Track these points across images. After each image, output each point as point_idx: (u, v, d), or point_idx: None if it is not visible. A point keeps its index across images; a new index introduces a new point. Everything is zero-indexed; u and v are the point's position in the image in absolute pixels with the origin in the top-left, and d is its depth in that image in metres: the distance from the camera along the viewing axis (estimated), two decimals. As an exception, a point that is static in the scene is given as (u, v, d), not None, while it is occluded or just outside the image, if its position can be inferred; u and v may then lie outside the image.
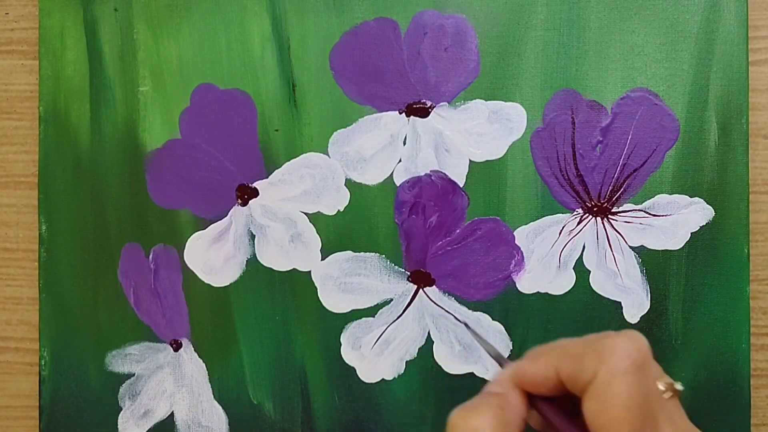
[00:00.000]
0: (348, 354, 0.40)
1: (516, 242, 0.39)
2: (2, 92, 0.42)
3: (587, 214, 0.40)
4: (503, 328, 0.39)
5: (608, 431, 0.26)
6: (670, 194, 0.39)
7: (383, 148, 0.40)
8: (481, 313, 0.40)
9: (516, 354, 0.39)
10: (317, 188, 0.40)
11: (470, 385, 0.39)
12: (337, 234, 0.40)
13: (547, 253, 0.39)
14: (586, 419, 0.27)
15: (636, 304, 0.39)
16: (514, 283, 0.39)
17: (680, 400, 0.29)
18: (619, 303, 0.39)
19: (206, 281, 0.41)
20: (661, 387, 0.28)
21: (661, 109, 0.39)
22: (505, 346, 0.39)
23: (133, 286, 0.41)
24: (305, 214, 0.40)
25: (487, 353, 0.33)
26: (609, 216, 0.39)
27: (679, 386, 0.29)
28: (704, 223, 0.39)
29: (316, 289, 0.40)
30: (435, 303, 0.40)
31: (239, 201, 0.40)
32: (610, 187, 0.39)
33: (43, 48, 0.41)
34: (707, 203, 0.39)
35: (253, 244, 0.40)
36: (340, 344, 0.40)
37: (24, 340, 0.42)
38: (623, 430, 0.25)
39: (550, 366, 0.28)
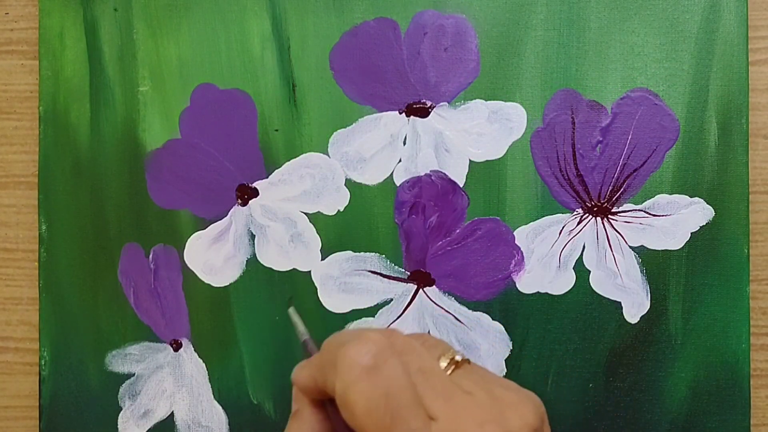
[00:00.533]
0: (348, 354, 0.40)
1: (516, 242, 0.39)
2: (2, 92, 0.42)
3: (587, 214, 0.40)
4: (503, 328, 0.39)
5: None
6: (670, 194, 0.39)
7: (383, 148, 0.40)
8: (481, 313, 0.40)
9: (516, 354, 0.39)
10: (317, 188, 0.40)
11: (470, 385, 0.39)
12: (337, 234, 0.40)
13: (547, 253, 0.39)
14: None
15: (636, 304, 0.39)
16: (514, 283, 0.39)
17: (469, 364, 0.29)
18: (619, 303, 0.39)
19: (206, 281, 0.41)
20: (444, 364, 0.28)
21: (661, 109, 0.39)
22: (505, 346, 0.39)
23: (133, 286, 0.41)
24: (305, 214, 0.40)
25: (300, 340, 0.33)
26: (609, 216, 0.39)
27: (458, 357, 0.29)
28: (704, 223, 0.39)
29: (316, 289, 0.40)
30: (435, 303, 0.40)
31: (239, 201, 0.40)
32: (610, 187, 0.39)
33: (43, 48, 0.41)
34: (707, 203, 0.39)
35: (253, 244, 0.40)
36: (340, 344, 0.40)
37: (24, 340, 0.42)
38: (373, 431, 0.26)
39: (310, 378, 0.29)
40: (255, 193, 0.40)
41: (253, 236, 0.40)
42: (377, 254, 0.40)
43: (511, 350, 0.39)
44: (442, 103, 0.40)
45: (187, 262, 0.41)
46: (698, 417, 0.39)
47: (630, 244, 0.39)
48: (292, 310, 0.34)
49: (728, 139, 0.39)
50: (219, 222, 0.41)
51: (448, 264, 0.40)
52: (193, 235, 0.41)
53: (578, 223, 0.39)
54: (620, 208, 0.39)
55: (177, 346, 0.41)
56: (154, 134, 0.41)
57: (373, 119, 0.40)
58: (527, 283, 0.39)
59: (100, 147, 0.41)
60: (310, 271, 0.40)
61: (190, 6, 0.41)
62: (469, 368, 0.29)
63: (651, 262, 0.39)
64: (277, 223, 0.40)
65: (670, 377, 0.39)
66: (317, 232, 0.40)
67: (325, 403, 0.29)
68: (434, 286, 0.40)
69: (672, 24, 0.39)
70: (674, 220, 0.39)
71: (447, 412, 0.26)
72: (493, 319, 0.40)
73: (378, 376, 0.26)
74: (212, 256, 0.40)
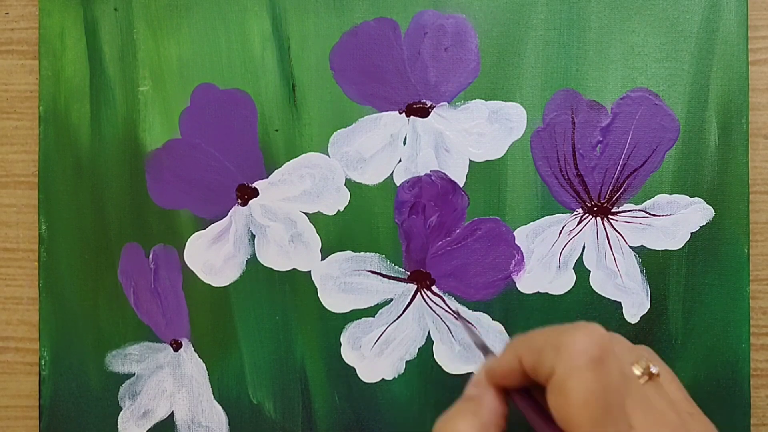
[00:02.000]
0: (348, 354, 0.40)
1: (516, 242, 0.39)
2: (2, 92, 0.42)
3: (587, 214, 0.40)
4: (503, 328, 0.39)
5: (569, 424, 0.26)
6: (670, 194, 0.39)
7: (383, 148, 0.40)
8: (481, 313, 0.40)
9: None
10: (317, 188, 0.40)
11: (470, 385, 0.39)
12: (337, 234, 0.40)
13: (547, 253, 0.39)
14: (551, 411, 0.27)
15: (636, 304, 0.39)
16: (514, 283, 0.39)
17: (660, 381, 0.29)
18: (619, 303, 0.39)
19: (206, 281, 0.41)
20: (637, 372, 0.28)
21: (661, 109, 0.39)
22: (503, 345, 0.39)
23: (133, 286, 0.41)
24: (305, 214, 0.40)
25: (474, 344, 0.33)
26: (609, 216, 0.39)
27: (654, 369, 0.29)
28: (704, 223, 0.39)
29: (316, 289, 0.40)
30: (435, 303, 0.40)
31: (239, 201, 0.40)
32: (610, 187, 0.39)
33: (43, 48, 0.41)
34: (707, 203, 0.39)
35: (253, 244, 0.40)
36: (340, 344, 0.40)
37: (24, 340, 0.42)
38: (583, 424, 0.25)
39: (514, 358, 0.28)
40: (255, 193, 0.40)
41: (253, 236, 0.40)
42: (377, 254, 0.40)
43: (511, 350, 0.39)
44: (442, 103, 0.40)
45: (187, 262, 0.41)
46: (698, 417, 0.39)
47: (630, 244, 0.39)
48: (462, 320, 0.36)
49: (728, 139, 0.39)
50: (219, 222, 0.41)
51: (448, 264, 0.40)
52: (193, 235, 0.41)
53: (578, 223, 0.39)
54: (620, 208, 0.39)
55: (177, 346, 0.41)
56: (154, 134, 0.41)
57: (373, 119, 0.40)
58: (527, 283, 0.39)
59: (101, 147, 0.41)
60: (310, 271, 0.40)
61: (190, 6, 0.41)
62: (659, 382, 0.29)
63: (651, 262, 0.39)
64: (277, 223, 0.40)
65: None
66: (317, 232, 0.40)
67: (510, 393, 0.29)
68: (434, 286, 0.40)
69: (672, 24, 0.39)
70: (674, 220, 0.39)
71: (643, 424, 0.26)
72: (493, 319, 0.40)
73: (602, 370, 0.26)
74: (212, 256, 0.40)
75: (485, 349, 0.32)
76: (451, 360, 0.40)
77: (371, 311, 0.40)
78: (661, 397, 0.28)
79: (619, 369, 0.27)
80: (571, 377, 0.26)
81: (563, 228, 0.39)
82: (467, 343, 0.40)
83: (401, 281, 0.40)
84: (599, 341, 0.26)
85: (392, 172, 0.40)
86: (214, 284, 0.41)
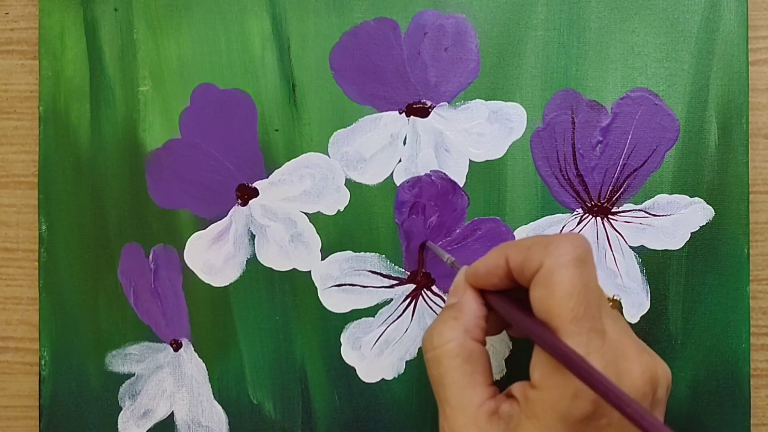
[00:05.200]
0: (348, 354, 0.40)
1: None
2: (2, 92, 0.42)
3: (587, 214, 0.40)
4: (503, 328, 0.39)
5: (552, 315, 0.28)
6: (670, 194, 0.39)
7: (383, 148, 0.40)
8: (481, 313, 0.40)
9: (516, 355, 0.39)
10: (317, 188, 0.40)
11: (470, 385, 0.39)
12: (337, 234, 0.40)
13: (547, 253, 0.39)
14: (532, 306, 0.29)
15: (636, 304, 0.39)
16: (514, 283, 0.39)
17: (620, 310, 0.33)
18: (619, 303, 0.39)
19: (206, 281, 0.41)
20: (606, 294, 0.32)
21: (661, 109, 0.39)
22: (505, 346, 0.39)
23: (133, 286, 0.41)
24: (305, 214, 0.40)
25: (444, 262, 0.36)
26: (609, 216, 0.39)
27: (617, 297, 0.33)
28: (704, 223, 0.39)
29: (316, 289, 0.40)
30: (435, 303, 0.40)
31: (239, 201, 0.40)
32: (610, 187, 0.39)
33: (43, 48, 0.41)
34: (707, 203, 0.39)
35: (253, 244, 0.40)
36: (340, 344, 0.40)
37: (24, 340, 0.42)
38: (565, 314, 0.27)
39: (500, 256, 0.30)
40: (255, 193, 0.40)
41: (253, 236, 0.40)
42: (377, 254, 0.40)
43: (511, 350, 0.39)
44: (442, 103, 0.40)
45: (187, 262, 0.41)
46: (698, 417, 0.39)
47: (630, 244, 0.39)
48: (429, 243, 0.38)
49: (728, 139, 0.39)
50: (219, 222, 0.41)
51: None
52: (193, 235, 0.41)
53: (578, 223, 0.39)
54: (620, 208, 0.39)
55: (177, 346, 0.41)
56: (154, 134, 0.41)
57: (373, 119, 0.40)
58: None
59: (101, 147, 0.41)
60: (310, 271, 0.40)
61: (190, 6, 0.41)
62: (618, 312, 0.32)
63: (651, 262, 0.39)
64: (277, 223, 0.40)
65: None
66: (317, 232, 0.40)
67: (487, 296, 0.31)
68: (434, 286, 0.40)
69: (672, 24, 0.39)
70: (674, 220, 0.39)
71: (613, 331, 0.29)
72: (493, 319, 0.40)
73: (585, 269, 0.28)
74: (212, 256, 0.40)
75: (453, 265, 0.35)
76: (451, 360, 0.40)
77: (371, 311, 0.40)
78: (621, 321, 0.31)
79: (596, 276, 0.29)
80: (558, 271, 0.28)
81: (563, 228, 0.39)
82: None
83: (401, 281, 0.40)
84: (585, 244, 0.29)
85: (392, 172, 0.40)
86: (214, 284, 0.41)
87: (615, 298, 0.32)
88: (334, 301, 0.40)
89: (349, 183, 0.40)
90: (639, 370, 0.29)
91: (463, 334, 0.30)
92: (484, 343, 0.31)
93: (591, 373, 0.26)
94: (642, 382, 0.29)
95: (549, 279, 0.28)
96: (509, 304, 0.30)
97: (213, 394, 0.41)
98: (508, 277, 0.30)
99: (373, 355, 0.40)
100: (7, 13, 0.42)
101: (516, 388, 0.30)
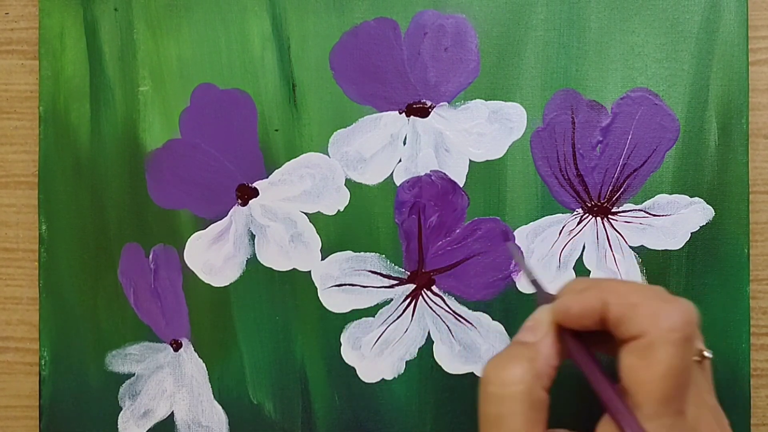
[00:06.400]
0: (348, 354, 0.40)
1: (516, 242, 0.39)
2: (2, 92, 0.42)
3: (587, 214, 0.40)
4: (503, 328, 0.39)
5: (641, 390, 0.26)
6: (670, 194, 0.39)
7: (383, 148, 0.40)
8: (481, 313, 0.40)
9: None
10: (317, 188, 0.40)
11: (470, 385, 0.39)
12: (337, 234, 0.40)
13: (547, 253, 0.39)
14: (620, 369, 0.27)
15: (636, 304, 0.39)
16: (514, 283, 0.39)
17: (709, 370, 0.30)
18: (619, 303, 0.39)
19: (206, 281, 0.41)
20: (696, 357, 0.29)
21: (661, 109, 0.39)
22: (505, 346, 0.39)
23: (133, 286, 0.41)
24: (305, 214, 0.40)
25: (527, 279, 0.33)
26: (609, 216, 0.39)
27: (708, 354, 0.29)
28: (704, 223, 0.39)
29: (316, 289, 0.40)
30: (435, 303, 0.40)
31: (239, 201, 0.40)
32: (610, 187, 0.39)
33: (43, 48, 0.41)
34: (707, 203, 0.39)
35: (253, 244, 0.40)
36: (340, 344, 0.40)
37: (24, 340, 0.42)
38: (656, 393, 0.26)
39: (598, 300, 0.28)
40: (255, 193, 0.40)
41: (253, 236, 0.40)
42: (377, 254, 0.40)
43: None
44: (442, 103, 0.40)
45: (187, 262, 0.41)
46: (698, 417, 0.39)
47: (630, 244, 0.39)
48: (511, 244, 0.35)
49: (728, 139, 0.39)
50: (219, 222, 0.41)
51: (448, 264, 0.40)
52: (193, 235, 0.41)
53: (578, 223, 0.39)
54: (620, 208, 0.39)
55: (177, 346, 0.41)
56: (154, 134, 0.41)
57: (373, 119, 0.40)
58: (527, 283, 0.39)
59: (100, 147, 0.41)
60: (310, 271, 0.40)
61: (190, 6, 0.41)
62: (705, 365, 0.29)
63: (651, 262, 0.39)
64: (277, 223, 0.40)
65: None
66: (317, 232, 0.40)
67: (565, 337, 0.29)
68: (434, 286, 0.40)
69: (672, 24, 0.39)
70: (674, 220, 0.39)
71: (694, 405, 0.27)
72: (493, 319, 0.40)
73: (689, 349, 0.26)
74: (212, 256, 0.40)
75: (539, 288, 0.31)
76: (451, 360, 0.40)
77: (371, 311, 0.40)
78: (705, 380, 0.29)
79: (693, 354, 0.27)
80: (663, 347, 0.26)
81: (563, 228, 0.39)
82: (467, 344, 0.39)
83: (401, 281, 0.40)
84: (695, 320, 0.27)
85: (392, 172, 0.40)
86: (214, 284, 0.41)
87: (705, 355, 0.29)
88: (334, 301, 0.40)
89: (349, 183, 0.40)
90: None
91: (535, 380, 0.28)
92: (549, 393, 0.29)
93: None
94: None
95: (650, 352, 0.26)
96: (590, 359, 0.28)
97: (213, 394, 0.41)
98: (595, 324, 0.28)
99: (373, 355, 0.40)
100: (7, 13, 0.42)
101: None
